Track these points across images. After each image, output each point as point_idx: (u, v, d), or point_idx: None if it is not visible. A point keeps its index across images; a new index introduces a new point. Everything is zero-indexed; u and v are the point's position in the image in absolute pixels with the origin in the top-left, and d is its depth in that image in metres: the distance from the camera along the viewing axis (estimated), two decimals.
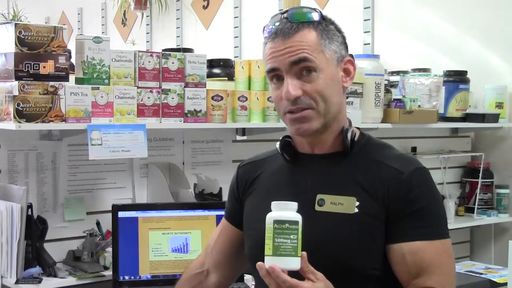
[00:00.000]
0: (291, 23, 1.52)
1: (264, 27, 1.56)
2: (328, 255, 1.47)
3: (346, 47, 1.60)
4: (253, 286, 1.71)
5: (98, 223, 2.45)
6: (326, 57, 1.52)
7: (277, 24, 1.53)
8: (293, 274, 1.36)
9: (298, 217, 1.37)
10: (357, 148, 1.57)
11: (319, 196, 1.53)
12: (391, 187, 1.49)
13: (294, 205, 1.38)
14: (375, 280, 1.50)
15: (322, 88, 1.50)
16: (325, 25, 1.55)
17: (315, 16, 1.54)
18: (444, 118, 3.35)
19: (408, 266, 1.48)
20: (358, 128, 1.63)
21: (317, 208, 1.53)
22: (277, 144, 1.64)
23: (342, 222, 1.50)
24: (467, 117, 3.39)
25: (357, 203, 1.50)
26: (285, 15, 1.54)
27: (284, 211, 1.37)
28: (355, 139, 1.57)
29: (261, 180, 1.67)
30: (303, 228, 1.37)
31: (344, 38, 1.59)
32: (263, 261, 1.36)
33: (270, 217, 1.37)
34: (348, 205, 1.50)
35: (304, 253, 1.36)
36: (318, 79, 1.50)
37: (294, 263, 1.35)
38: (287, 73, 1.51)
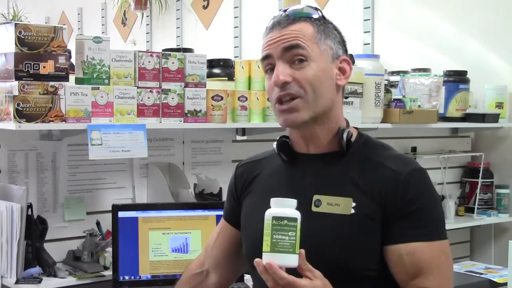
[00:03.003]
0: (289, 17, 1.54)
1: (266, 27, 1.58)
2: (325, 256, 1.47)
3: (345, 49, 1.60)
4: (252, 286, 1.71)
5: (98, 223, 2.45)
6: (320, 49, 1.53)
7: (277, 19, 1.55)
8: (291, 271, 1.36)
9: (297, 214, 1.37)
10: (354, 148, 1.57)
11: (315, 197, 1.53)
12: (388, 188, 1.49)
13: (293, 202, 1.38)
14: (371, 280, 1.50)
15: (312, 78, 1.51)
16: (323, 22, 1.56)
17: (314, 14, 1.56)
18: (444, 118, 3.35)
19: (405, 267, 1.47)
20: (356, 128, 1.63)
21: (313, 209, 1.52)
22: (274, 144, 1.64)
23: (339, 223, 1.50)
24: (467, 117, 3.39)
25: (354, 204, 1.50)
26: (286, 12, 1.56)
27: (283, 207, 1.37)
28: (352, 139, 1.56)
29: (259, 180, 1.67)
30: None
31: (343, 39, 1.60)
32: (257, 259, 1.36)
33: (269, 213, 1.37)
34: (345, 206, 1.50)
35: (302, 250, 1.36)
36: (309, 68, 1.51)
37: (292, 260, 1.35)
38: (279, 59, 1.52)
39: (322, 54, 1.53)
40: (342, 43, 1.60)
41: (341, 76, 1.57)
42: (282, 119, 1.54)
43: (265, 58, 1.55)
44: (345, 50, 1.61)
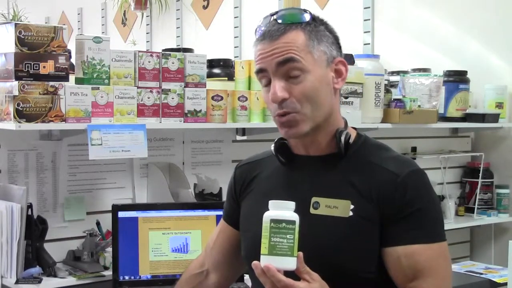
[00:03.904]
0: (279, 24, 1.51)
1: (256, 28, 1.55)
2: (323, 258, 1.47)
3: (339, 48, 1.57)
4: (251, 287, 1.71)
5: (98, 223, 2.45)
6: (313, 58, 1.50)
7: (267, 25, 1.52)
8: (289, 274, 1.36)
9: (295, 217, 1.36)
10: (352, 150, 1.56)
11: (314, 199, 1.52)
12: (386, 190, 1.48)
13: (292, 204, 1.38)
14: (370, 283, 1.50)
15: (309, 91, 1.49)
16: (314, 26, 1.53)
17: (304, 17, 1.53)
18: (444, 118, 3.36)
19: (403, 269, 1.47)
20: (354, 128, 1.62)
21: (312, 211, 1.52)
22: (272, 146, 1.63)
23: (337, 225, 1.49)
24: (467, 117, 3.39)
25: (352, 207, 1.49)
26: (274, 16, 1.53)
27: (281, 210, 1.37)
28: (350, 140, 1.55)
29: (258, 181, 1.67)
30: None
31: (336, 38, 1.57)
32: (255, 262, 1.36)
33: (267, 216, 1.37)
34: (343, 208, 1.49)
35: (301, 253, 1.36)
36: (306, 81, 1.49)
37: (290, 263, 1.35)
38: (274, 75, 1.50)
39: (317, 62, 1.51)
40: (336, 42, 1.56)
41: (338, 79, 1.55)
42: (283, 132, 1.54)
43: (259, 71, 1.53)
44: (339, 49, 1.57)
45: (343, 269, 1.47)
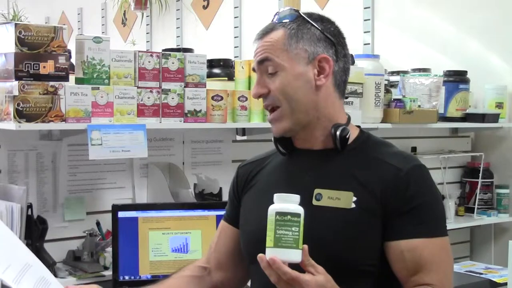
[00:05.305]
0: (270, 24, 1.58)
1: None
2: (325, 250, 1.47)
3: (329, 45, 1.56)
4: (251, 281, 1.70)
5: (98, 223, 2.45)
6: (289, 56, 1.54)
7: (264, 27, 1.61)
8: (293, 266, 1.36)
9: (300, 210, 1.37)
10: (355, 145, 1.58)
11: (316, 191, 1.54)
12: (389, 184, 1.50)
13: (297, 197, 1.39)
14: (370, 276, 1.51)
15: (283, 87, 1.54)
16: (298, 25, 1.56)
17: (291, 17, 1.57)
18: (444, 118, 3.36)
19: (406, 263, 1.48)
20: (358, 127, 1.64)
21: (314, 202, 1.53)
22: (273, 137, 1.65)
23: (339, 217, 1.50)
24: (467, 117, 3.39)
25: (355, 199, 1.50)
26: (275, 18, 1.60)
27: (287, 203, 1.38)
28: (351, 136, 1.57)
29: (260, 177, 1.68)
30: None
31: (326, 36, 1.56)
32: (261, 255, 1.36)
33: (272, 209, 1.38)
34: (346, 200, 1.51)
35: (305, 246, 1.36)
36: (280, 78, 1.54)
37: (295, 255, 1.36)
38: (257, 72, 1.58)
39: (293, 60, 1.54)
40: (325, 39, 1.56)
41: (320, 76, 1.56)
42: (272, 128, 1.60)
43: (254, 70, 1.61)
44: (331, 45, 1.56)
45: (344, 260, 1.49)
